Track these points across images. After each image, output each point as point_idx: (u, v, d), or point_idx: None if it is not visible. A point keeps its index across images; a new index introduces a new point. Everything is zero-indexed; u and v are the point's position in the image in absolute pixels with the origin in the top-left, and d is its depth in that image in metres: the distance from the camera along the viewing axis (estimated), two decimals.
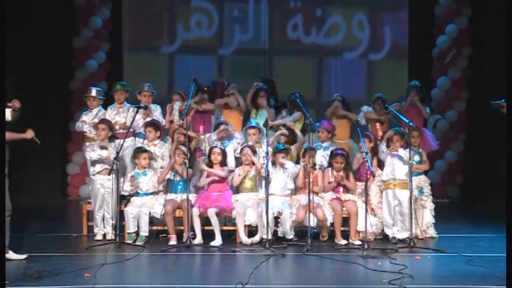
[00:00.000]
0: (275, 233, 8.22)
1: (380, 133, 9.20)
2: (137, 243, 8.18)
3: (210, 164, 8.44)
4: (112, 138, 8.72)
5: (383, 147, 8.46)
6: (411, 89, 9.69)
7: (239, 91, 9.70)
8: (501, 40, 8.13)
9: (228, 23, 12.79)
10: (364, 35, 12.85)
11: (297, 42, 12.76)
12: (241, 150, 8.56)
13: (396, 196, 8.30)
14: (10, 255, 7.17)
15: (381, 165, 8.53)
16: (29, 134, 7.43)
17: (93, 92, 9.14)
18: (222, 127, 8.89)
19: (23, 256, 7.29)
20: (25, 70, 11.18)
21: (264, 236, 7.92)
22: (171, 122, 9.23)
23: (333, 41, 12.81)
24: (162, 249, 7.86)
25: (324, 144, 8.97)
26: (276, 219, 8.25)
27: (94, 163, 8.61)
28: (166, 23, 12.79)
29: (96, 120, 8.92)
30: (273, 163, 8.41)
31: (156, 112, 9.16)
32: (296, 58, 12.83)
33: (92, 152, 8.60)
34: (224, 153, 8.46)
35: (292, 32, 12.79)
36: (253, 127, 8.90)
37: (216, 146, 8.50)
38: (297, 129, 9.21)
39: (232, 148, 8.87)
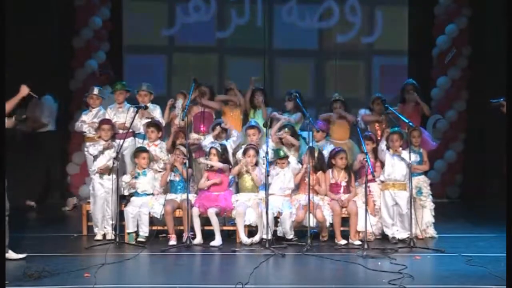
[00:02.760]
0: (275, 233, 8.22)
1: (379, 133, 9.19)
2: (139, 239, 8.21)
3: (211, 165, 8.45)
4: (113, 138, 8.73)
5: (382, 146, 8.46)
6: (407, 87, 9.67)
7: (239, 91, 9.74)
8: (501, 40, 8.13)
9: (225, 7, 12.76)
10: (357, 18, 12.82)
11: (292, 26, 12.73)
12: (245, 150, 8.52)
13: (394, 197, 8.30)
14: (10, 254, 7.17)
15: (381, 165, 8.52)
16: (24, 90, 7.40)
17: (95, 91, 9.14)
18: (217, 130, 8.88)
19: (23, 256, 7.29)
20: (25, 70, 11.16)
21: (264, 236, 7.92)
22: (172, 119, 9.23)
23: (326, 25, 12.80)
24: (162, 249, 7.86)
25: (320, 144, 8.97)
26: (276, 219, 8.26)
27: (95, 158, 8.61)
28: (165, 11, 12.78)
29: (95, 120, 8.93)
30: (273, 163, 8.42)
31: (156, 112, 9.15)
32: (296, 56, 12.82)
33: (92, 148, 8.62)
34: (220, 153, 8.43)
35: (288, 16, 12.78)
36: (252, 126, 8.89)
37: (212, 147, 8.50)
38: (296, 129, 9.21)
39: (230, 147, 8.85)
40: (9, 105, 7.21)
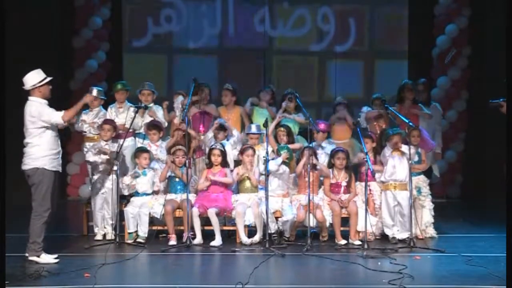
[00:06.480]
0: (274, 233, 8.22)
1: (378, 131, 9.17)
2: (138, 239, 8.20)
3: (210, 165, 8.46)
4: (114, 139, 8.71)
5: (387, 152, 8.41)
6: (406, 86, 9.64)
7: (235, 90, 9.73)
8: (501, 40, 8.13)
9: (196, 17, 12.76)
10: (330, 27, 12.82)
11: (263, 35, 12.75)
12: (243, 150, 8.53)
13: (396, 197, 8.30)
14: (43, 257, 7.14)
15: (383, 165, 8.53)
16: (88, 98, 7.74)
17: (94, 92, 9.09)
18: (216, 124, 8.89)
19: (55, 256, 7.25)
20: (25, 70, 11.16)
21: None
22: (172, 119, 9.22)
23: (298, 34, 12.80)
24: (162, 249, 7.86)
25: (322, 144, 8.96)
26: (276, 219, 8.26)
27: (94, 166, 8.60)
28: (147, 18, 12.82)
29: (96, 120, 8.92)
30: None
31: (158, 113, 9.15)
32: (295, 57, 12.84)
33: (93, 156, 8.58)
34: (223, 154, 8.46)
35: (260, 25, 12.78)
36: (252, 133, 8.88)
37: (215, 148, 8.50)
38: (296, 129, 9.21)
39: (230, 148, 8.85)
40: (73, 112, 7.50)
